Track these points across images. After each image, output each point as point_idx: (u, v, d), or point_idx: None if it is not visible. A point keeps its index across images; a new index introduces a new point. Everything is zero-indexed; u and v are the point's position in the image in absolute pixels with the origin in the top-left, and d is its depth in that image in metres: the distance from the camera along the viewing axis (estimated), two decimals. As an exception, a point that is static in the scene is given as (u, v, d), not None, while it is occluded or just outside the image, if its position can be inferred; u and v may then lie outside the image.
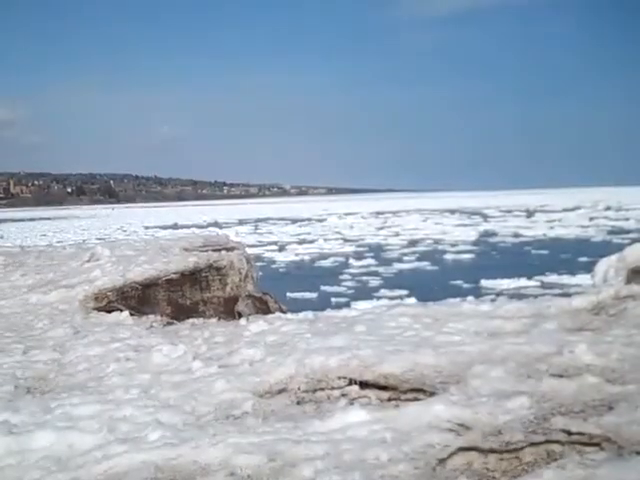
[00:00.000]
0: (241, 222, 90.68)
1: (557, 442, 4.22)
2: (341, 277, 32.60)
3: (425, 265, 37.03)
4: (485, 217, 79.08)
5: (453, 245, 46.05)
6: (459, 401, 4.85)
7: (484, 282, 28.03)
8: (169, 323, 9.23)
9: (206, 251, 12.61)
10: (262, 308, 11.67)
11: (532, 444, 4.21)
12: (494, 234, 54.50)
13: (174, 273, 11.26)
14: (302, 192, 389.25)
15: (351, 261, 38.49)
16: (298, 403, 5.44)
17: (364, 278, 32.12)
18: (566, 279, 27.34)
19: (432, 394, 5.18)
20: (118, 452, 4.44)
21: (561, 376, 5.28)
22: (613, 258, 8.40)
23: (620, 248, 8.88)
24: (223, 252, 12.50)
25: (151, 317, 9.42)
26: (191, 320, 9.27)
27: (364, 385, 5.56)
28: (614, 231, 49.67)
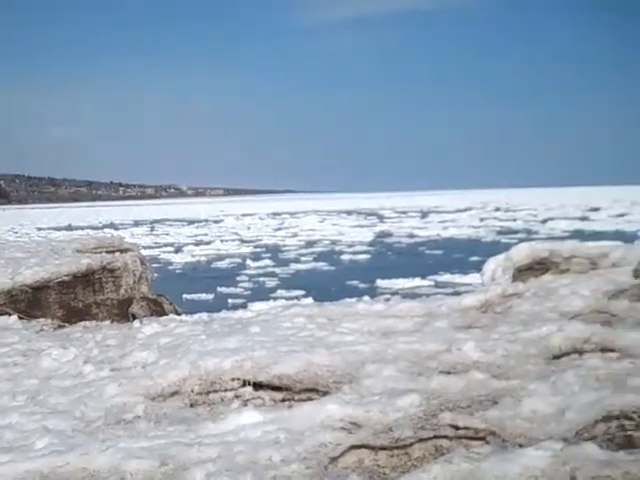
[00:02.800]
0: (137, 223, 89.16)
1: (445, 437, 4.33)
2: (238, 278, 32.47)
3: (322, 266, 37.27)
4: (381, 218, 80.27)
5: (350, 246, 46.52)
6: (352, 400, 4.91)
7: (380, 282, 28.45)
8: (60, 326, 9.00)
9: (100, 253, 12.36)
10: (157, 310, 11.52)
11: (421, 440, 4.31)
12: (390, 235, 55.36)
13: (66, 275, 10.98)
14: (199, 193, 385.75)
15: (248, 262, 38.39)
16: (191, 405, 5.40)
17: (261, 279, 32.09)
18: (458, 278, 28.02)
19: (325, 394, 5.23)
20: (1, 462, 4.29)
21: (450, 373, 5.42)
22: (500, 257, 8.67)
23: (508, 248, 9.18)
24: (117, 254, 12.28)
25: (41, 320, 9.17)
26: (83, 323, 9.07)
27: (258, 386, 5.56)
28: (503, 231, 51.23)
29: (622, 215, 62.11)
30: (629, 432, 4.28)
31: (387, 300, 8.73)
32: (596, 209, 76.10)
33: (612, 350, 5.75)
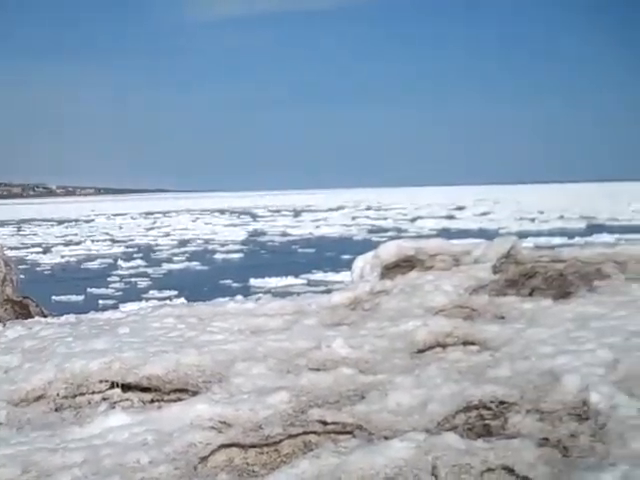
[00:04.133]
0: (2, 224, 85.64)
1: (314, 433, 4.41)
2: (109, 279, 31.74)
3: (195, 265, 36.94)
4: (254, 217, 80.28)
5: (223, 245, 46.29)
6: (221, 399, 4.92)
7: (253, 281, 28.45)
8: None
9: (-42, 254, 11.80)
10: (23, 313, 11.10)
11: (290, 436, 4.37)
12: (263, 233, 55.46)
13: None
14: (69, 192, 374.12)
15: (120, 262, 37.58)
16: (57, 410, 5.27)
17: (133, 279, 31.48)
18: (330, 276, 28.36)
19: (195, 393, 5.21)
20: None
21: (319, 370, 5.51)
22: (369, 255, 8.84)
23: (378, 246, 9.37)
24: (-22, 255, 11.76)
25: None
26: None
27: (126, 388, 5.48)
28: (374, 230, 52.23)
29: (485, 214, 64.51)
30: (487, 421, 4.49)
31: (258, 299, 8.75)
32: (461, 208, 78.72)
33: (473, 343, 5.99)
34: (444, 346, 6.02)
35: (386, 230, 50.03)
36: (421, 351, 5.95)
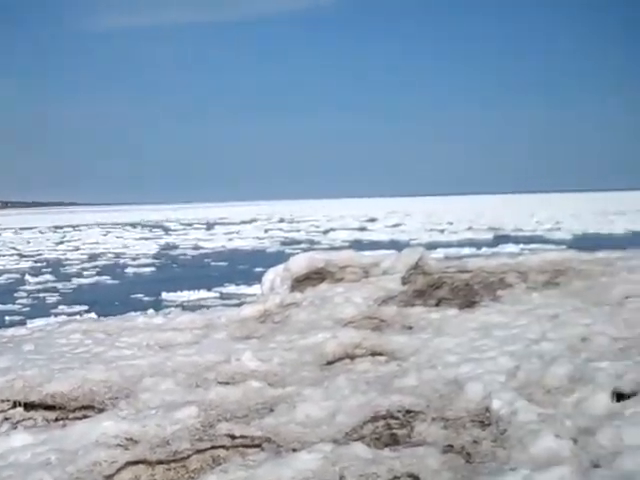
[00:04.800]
0: None
1: (222, 447, 4.38)
2: (16, 294, 30.75)
3: (106, 279, 36.18)
4: (166, 230, 79.24)
5: (134, 259, 45.50)
6: (128, 415, 4.85)
7: (165, 295, 28.03)
8: None
9: None
10: None
11: (198, 451, 4.34)
12: (175, 247, 54.78)
13: None
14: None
15: (27, 277, 36.46)
16: (-44, 432, 5.09)
17: (41, 295, 30.60)
18: (243, 289, 28.18)
19: (101, 410, 5.12)
20: None
21: (228, 383, 5.50)
22: (279, 268, 8.88)
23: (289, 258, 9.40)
24: None
25: None
26: None
27: (30, 406, 5.34)
28: (287, 242, 52.25)
29: (397, 225, 65.36)
30: (394, 430, 4.55)
31: (168, 313, 8.66)
32: (373, 220, 79.54)
33: (381, 354, 6.08)
34: (353, 357, 6.09)
35: (299, 242, 50.13)
36: (330, 363, 6.00)
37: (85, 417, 5.06)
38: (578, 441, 3.96)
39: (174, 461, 4.26)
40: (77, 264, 43.82)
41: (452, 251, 30.57)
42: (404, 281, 8.08)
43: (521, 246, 31.55)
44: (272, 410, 4.88)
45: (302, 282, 8.55)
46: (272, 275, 8.85)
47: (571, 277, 8.03)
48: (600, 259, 8.62)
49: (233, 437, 4.49)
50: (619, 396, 4.60)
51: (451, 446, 4.20)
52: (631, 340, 5.80)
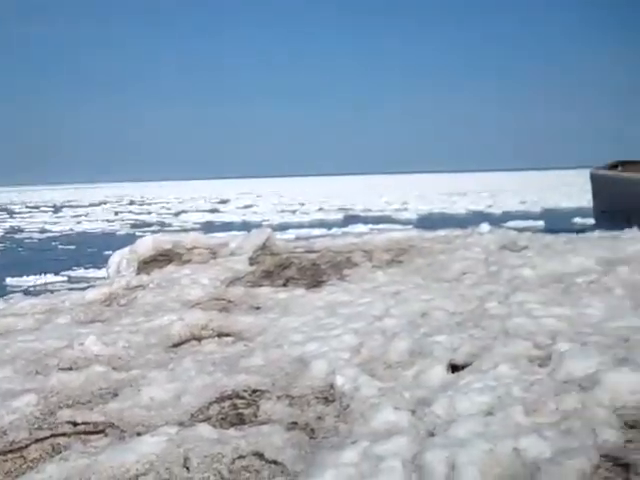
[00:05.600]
0: None
1: (63, 435, 4.27)
2: None
3: (-58, 266, 34.32)
4: (11, 213, 75.91)
5: (-25, 243, 43.43)
6: (-38, 407, 4.63)
7: (9, 280, 26.90)
8: None
9: None
10: None
11: (37, 440, 4.20)
12: (20, 230, 52.60)
13: None
14: None
15: None
16: None
17: None
18: (92, 273, 27.46)
19: None
20: None
21: (71, 369, 5.35)
22: (125, 250, 8.71)
23: (139, 241, 9.22)
24: None
25: None
26: None
27: None
28: (137, 225, 51.23)
29: (248, 207, 65.39)
30: (240, 410, 4.57)
31: (8, 299, 8.32)
32: (225, 201, 79.21)
33: (228, 335, 6.09)
34: (200, 339, 6.06)
35: (150, 225, 49.26)
36: (176, 345, 5.95)
37: None
38: (416, 412, 4.11)
39: (10, 451, 4.11)
40: None
41: (303, 232, 30.90)
42: (252, 262, 8.12)
43: (370, 226, 32.29)
44: (116, 395, 4.79)
45: (149, 264, 8.42)
46: (118, 258, 8.66)
47: (413, 255, 8.31)
48: (441, 237, 8.97)
49: (75, 424, 4.38)
50: (454, 367, 4.81)
51: (295, 423, 4.26)
52: (467, 314, 6.08)
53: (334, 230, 30.99)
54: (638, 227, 9.42)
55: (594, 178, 18.04)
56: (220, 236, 9.72)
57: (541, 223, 30.42)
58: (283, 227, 33.31)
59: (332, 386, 4.67)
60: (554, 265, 7.53)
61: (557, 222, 29.06)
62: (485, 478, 3.35)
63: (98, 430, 4.31)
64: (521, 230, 10.73)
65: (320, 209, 55.87)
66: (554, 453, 3.45)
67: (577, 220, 29.40)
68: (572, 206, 41.54)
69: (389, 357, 5.14)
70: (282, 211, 55.42)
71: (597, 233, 9.82)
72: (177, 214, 60.17)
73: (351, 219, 42.08)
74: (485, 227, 10.07)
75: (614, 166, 17.57)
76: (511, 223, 26.70)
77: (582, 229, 13.83)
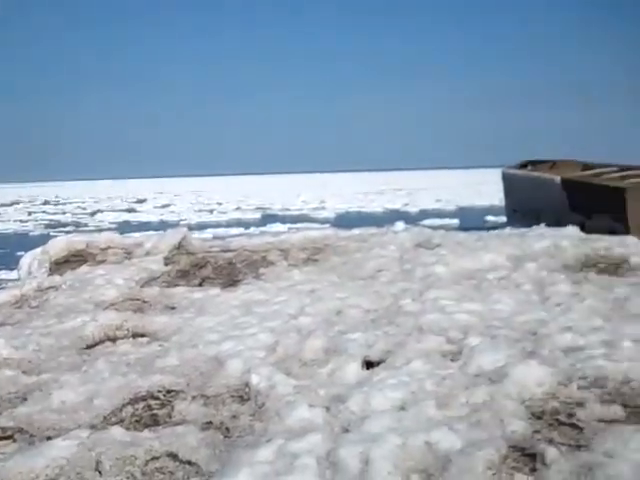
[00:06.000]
0: None
1: (-31, 442, 4.15)
2: None
3: None
4: None
5: None
6: None
7: None
8: None
9: None
10: None
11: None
12: None
13: None
14: None
15: None
16: None
17: None
18: (4, 275, 26.73)
19: None
20: None
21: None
22: (38, 251, 8.51)
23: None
24: None
25: None
26: None
27: None
28: (52, 225, 50.07)
29: (166, 206, 64.66)
30: (155, 411, 4.53)
31: None
32: (142, 201, 78.10)
33: (143, 335, 6.02)
34: (114, 340, 5.98)
35: (65, 225, 48.21)
36: (90, 347, 5.85)
37: None
38: (330, 409, 4.15)
39: None
40: None
41: (221, 231, 30.73)
42: (167, 262, 8.04)
43: (288, 225, 32.33)
44: (25, 399, 4.67)
45: (62, 265, 8.25)
46: (29, 259, 8.46)
47: (329, 254, 8.37)
48: (356, 236, 9.05)
49: (-19, 430, 4.27)
50: (369, 364, 4.87)
51: (210, 422, 4.25)
52: (381, 311, 6.15)
53: (252, 229, 30.92)
54: (546, 224, 9.71)
55: (505, 177, 18.48)
56: (136, 236, 9.59)
57: (456, 221, 30.96)
58: (201, 226, 33.05)
59: (247, 385, 4.67)
60: (466, 262, 7.70)
61: (471, 220, 29.63)
62: (398, 472, 3.41)
63: (6, 436, 4.21)
64: (436, 228, 10.92)
65: (238, 208, 55.65)
66: (464, 445, 3.53)
67: (490, 218, 30.04)
68: (486, 204, 42.42)
69: (304, 355, 5.17)
70: (200, 210, 54.99)
71: (508, 230, 10.08)
72: (93, 214, 59.04)
73: (269, 218, 42.03)
74: (400, 225, 10.24)
75: (524, 165, 18.03)
76: (427, 221, 27.14)
77: (494, 227, 14.16)
